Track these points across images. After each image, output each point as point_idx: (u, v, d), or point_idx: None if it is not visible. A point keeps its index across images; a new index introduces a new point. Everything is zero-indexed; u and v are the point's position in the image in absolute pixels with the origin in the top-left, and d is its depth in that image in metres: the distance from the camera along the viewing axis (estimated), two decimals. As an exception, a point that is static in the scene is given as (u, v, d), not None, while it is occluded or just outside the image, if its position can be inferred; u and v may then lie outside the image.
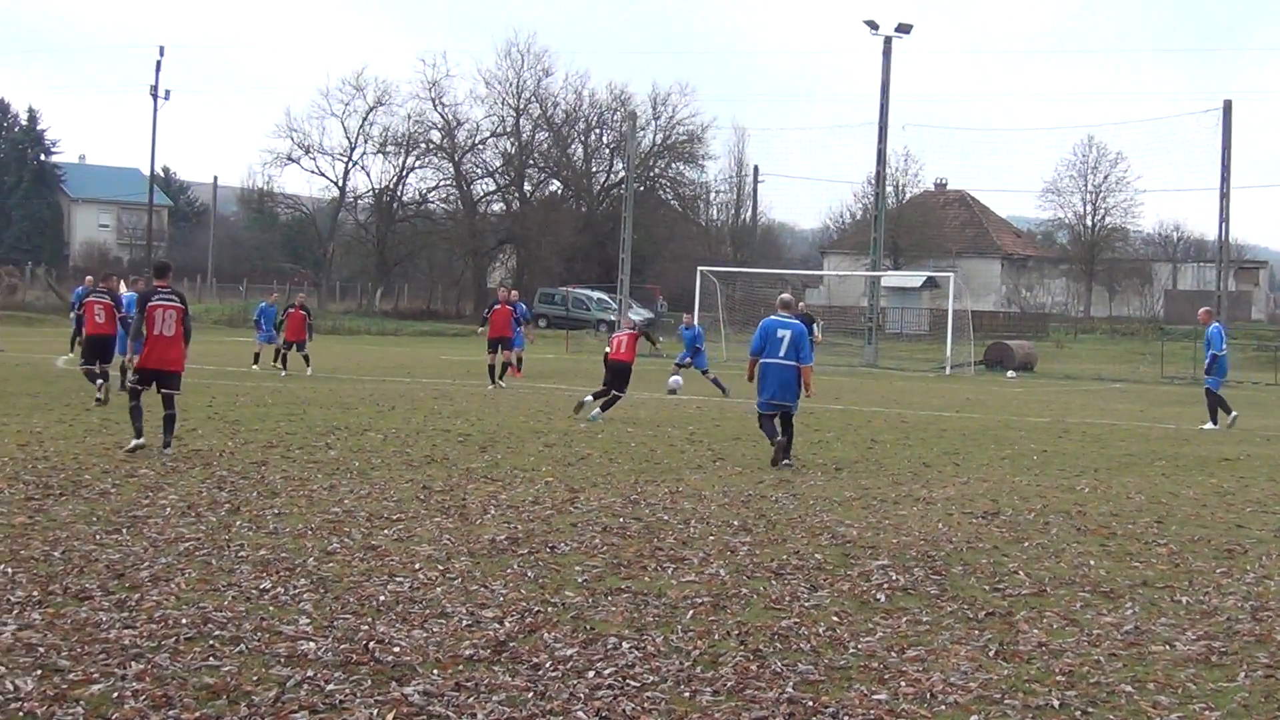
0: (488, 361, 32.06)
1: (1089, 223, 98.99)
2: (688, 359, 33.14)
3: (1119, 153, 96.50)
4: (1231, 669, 8.01)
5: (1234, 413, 26.62)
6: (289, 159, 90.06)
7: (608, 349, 24.84)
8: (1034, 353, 56.36)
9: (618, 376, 24.02)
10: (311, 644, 7.84)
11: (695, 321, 36.99)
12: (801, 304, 52.54)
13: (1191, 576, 10.73)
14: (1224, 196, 52.01)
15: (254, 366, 35.85)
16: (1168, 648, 8.46)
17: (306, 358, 34.95)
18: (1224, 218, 52.48)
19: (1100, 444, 22.28)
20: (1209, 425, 26.43)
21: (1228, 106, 51.73)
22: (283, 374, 32.82)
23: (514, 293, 35.82)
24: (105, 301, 24.45)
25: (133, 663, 7.32)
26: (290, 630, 8.14)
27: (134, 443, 16.37)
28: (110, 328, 24.18)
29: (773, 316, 18.29)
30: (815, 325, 48.39)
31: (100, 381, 23.43)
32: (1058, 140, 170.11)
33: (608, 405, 23.63)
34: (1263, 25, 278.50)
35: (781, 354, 17.78)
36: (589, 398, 23.96)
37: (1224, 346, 26.85)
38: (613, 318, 68.28)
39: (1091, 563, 11.17)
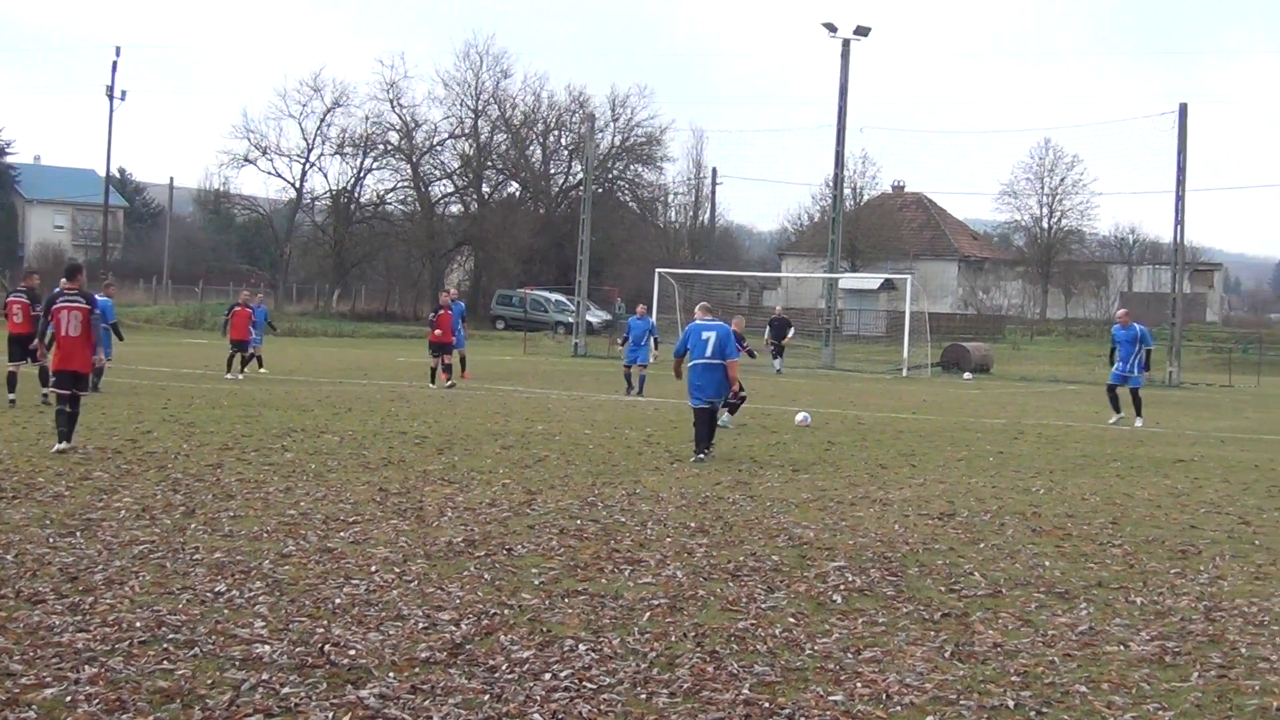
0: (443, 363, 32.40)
1: (1045, 225, 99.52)
2: (640, 360, 32.80)
3: (1075, 155, 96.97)
4: (1185, 669, 8.06)
5: (1120, 415, 27.76)
6: (246, 160, 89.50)
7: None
8: (990, 354, 56.57)
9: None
10: (267, 647, 7.81)
11: (650, 314, 36.89)
12: (778, 307, 52.79)
13: (1146, 577, 10.80)
14: (1179, 199, 52.23)
15: (246, 371, 35.62)
16: (1122, 648, 8.51)
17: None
18: (1179, 220, 52.70)
19: (1055, 445, 22.39)
20: (1140, 422, 27.38)
21: (1183, 109, 51.96)
22: (239, 377, 32.54)
23: (449, 293, 35.90)
24: (23, 301, 24.09)
25: (86, 666, 7.28)
26: (245, 633, 8.11)
27: (58, 445, 16.45)
28: (26, 327, 23.79)
29: (696, 321, 19.68)
30: (791, 329, 48.72)
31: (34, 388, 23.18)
32: (1014, 143, 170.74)
33: (733, 409, 23.21)
34: (1219, 30, 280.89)
35: (708, 354, 19.05)
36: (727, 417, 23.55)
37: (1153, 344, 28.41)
38: (570, 319, 68.25)
39: (1046, 564, 11.23)
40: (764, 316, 73.16)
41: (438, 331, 32.85)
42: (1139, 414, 27.77)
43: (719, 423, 22.35)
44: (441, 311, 33.02)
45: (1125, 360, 28.03)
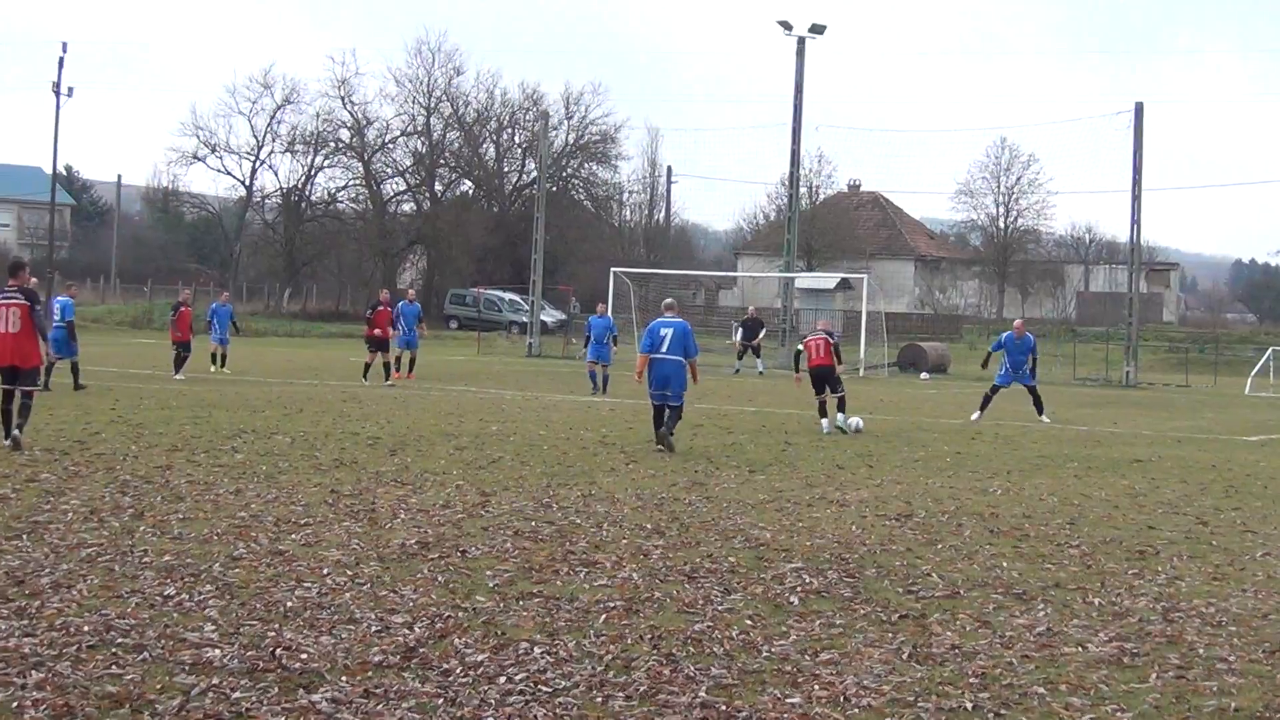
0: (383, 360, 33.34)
1: (1001, 224, 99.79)
2: (601, 358, 33.14)
3: (1031, 154, 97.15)
4: (1143, 670, 8.10)
5: (981, 414, 28.17)
6: (195, 157, 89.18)
7: (808, 354, 24.86)
8: (947, 354, 56.82)
9: (825, 380, 24.31)
10: (217, 651, 7.77)
11: (609, 313, 37.10)
12: (752, 308, 52.93)
13: (1104, 578, 10.85)
14: (1135, 199, 52.52)
15: (211, 369, 35.83)
16: (1080, 649, 8.54)
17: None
18: (1135, 220, 52.98)
19: (1013, 446, 22.50)
20: (1046, 419, 28.12)
21: (1139, 109, 52.26)
22: (178, 378, 32.37)
23: (384, 293, 36.27)
24: None
25: (33, 671, 7.22)
26: (195, 637, 8.06)
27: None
28: None
29: (659, 319, 20.77)
30: (763, 329, 48.84)
31: None
32: (970, 142, 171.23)
33: (842, 405, 24.07)
34: (1174, 30, 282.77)
35: (665, 349, 20.15)
36: (825, 423, 23.88)
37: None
38: (525, 319, 68.15)
39: (1004, 564, 11.28)
40: (721, 317, 73.16)
41: (376, 331, 33.34)
42: (1041, 411, 28.65)
43: (840, 424, 23.72)
44: (380, 308, 33.62)
45: (1017, 369, 28.57)
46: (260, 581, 9.63)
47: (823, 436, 22.90)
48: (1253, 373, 52.11)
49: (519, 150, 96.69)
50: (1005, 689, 7.59)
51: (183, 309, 34.25)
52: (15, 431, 16.72)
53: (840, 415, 23.91)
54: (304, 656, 7.73)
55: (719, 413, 26.98)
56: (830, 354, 24.53)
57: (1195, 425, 29.33)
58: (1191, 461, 20.81)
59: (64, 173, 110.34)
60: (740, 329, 49.34)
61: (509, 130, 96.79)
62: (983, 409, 28.37)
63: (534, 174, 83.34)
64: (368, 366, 33.45)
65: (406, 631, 8.39)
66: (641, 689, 7.35)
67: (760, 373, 46.99)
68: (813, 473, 17.51)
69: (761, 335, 48.78)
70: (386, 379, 32.89)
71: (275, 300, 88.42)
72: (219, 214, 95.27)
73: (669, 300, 21.96)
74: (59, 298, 29.40)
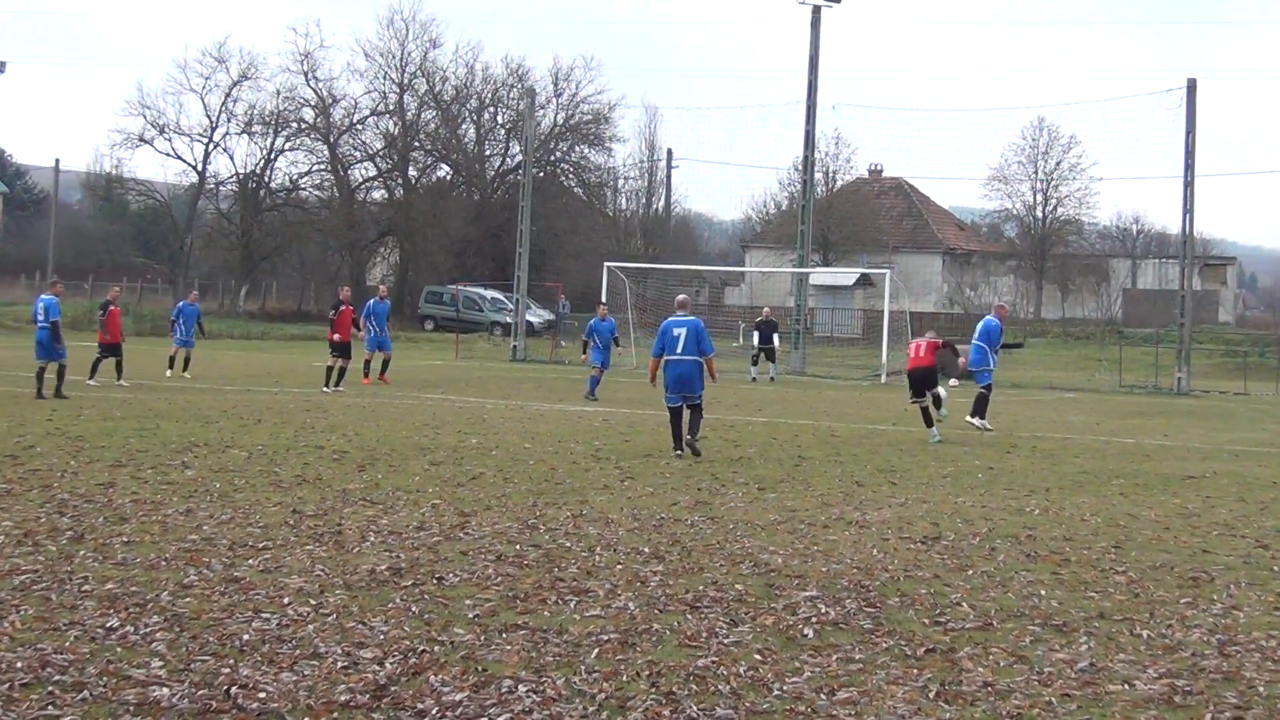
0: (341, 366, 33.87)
1: (1039, 214, 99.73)
2: (603, 364, 34.02)
3: (1072, 136, 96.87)
4: (1197, 710, 8.11)
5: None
6: (141, 140, 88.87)
7: (908, 354, 26.78)
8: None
9: (924, 382, 25.76)
10: (165, 690, 7.77)
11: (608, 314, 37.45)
12: (766, 309, 52.96)
13: (1153, 608, 10.86)
14: (1188, 185, 52.49)
15: (168, 373, 36.39)
16: (1126, 687, 8.55)
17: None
18: (1188, 209, 52.95)
19: (1052, 460, 22.50)
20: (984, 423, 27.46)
21: (1192, 85, 52.24)
22: (91, 383, 32.27)
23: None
24: None
25: (-41, 713, 7.22)
26: (141, 674, 8.06)
27: None
28: None
29: (671, 317, 21.78)
30: (777, 334, 48.86)
31: None
32: (1005, 123, 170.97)
33: (938, 403, 25.66)
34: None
35: (680, 350, 21.25)
36: (934, 432, 25.25)
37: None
38: (508, 319, 68.12)
39: (1042, 593, 11.28)
40: (727, 317, 73.14)
41: (337, 335, 33.62)
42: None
43: (939, 418, 25.32)
44: (342, 308, 33.88)
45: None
46: (213, 612, 9.62)
47: (841, 454, 22.89)
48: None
49: (502, 132, 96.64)
50: (1043, 731, 7.59)
51: (111, 309, 34.27)
52: None
53: (973, 418, 25.94)
54: (262, 695, 7.73)
55: (725, 424, 26.99)
56: (932, 353, 26.00)
57: (1255, 437, 29.35)
58: (1250, 478, 20.82)
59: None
60: (755, 332, 49.33)
61: (491, 109, 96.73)
62: (983, 414, 28.28)
63: (519, 158, 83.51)
64: (329, 372, 33.60)
65: (377, 668, 8.38)
66: (638, 731, 7.35)
67: (772, 379, 47.05)
68: (829, 490, 17.52)
69: (777, 340, 48.80)
70: (334, 385, 33.12)
71: (231, 298, 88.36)
72: (168, 202, 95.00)
73: (682, 297, 22.92)
74: (43, 296, 29.68)
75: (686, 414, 21.23)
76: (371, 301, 36.99)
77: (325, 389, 32.85)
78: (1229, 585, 11.91)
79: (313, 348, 59.29)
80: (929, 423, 25.31)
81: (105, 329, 33.87)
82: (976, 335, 28.01)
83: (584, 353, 36.08)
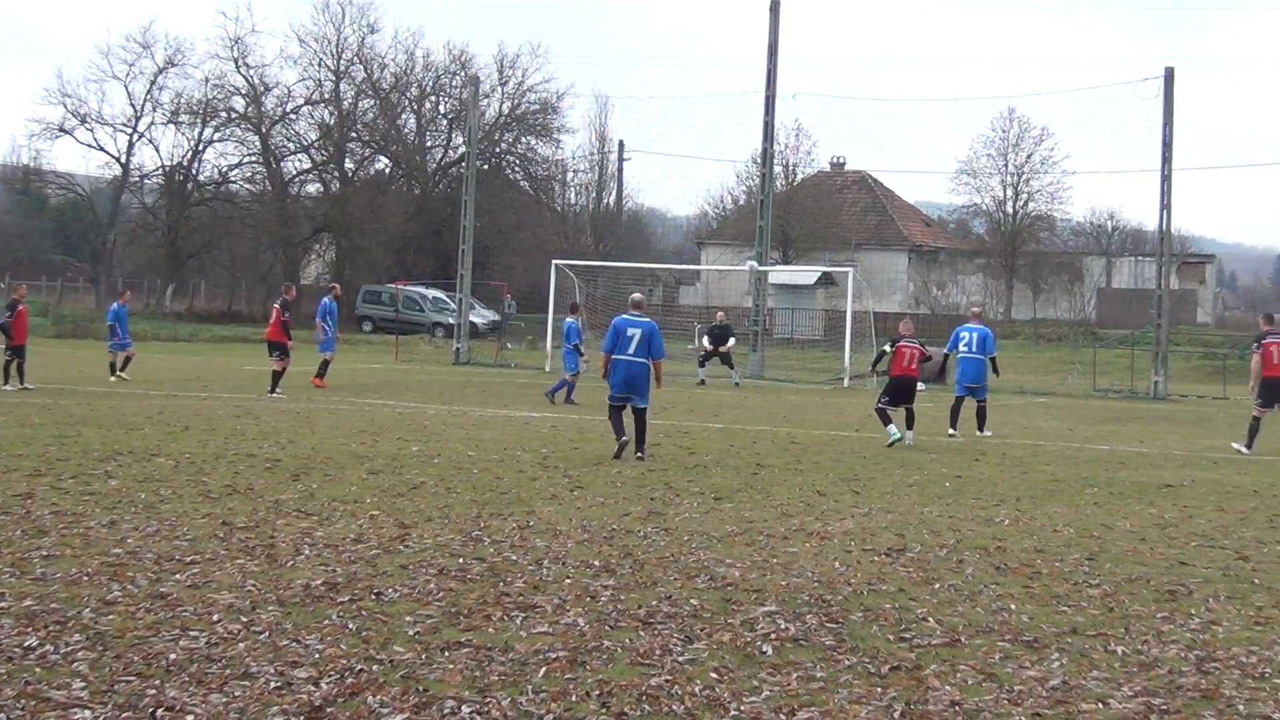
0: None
1: (1010, 210, 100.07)
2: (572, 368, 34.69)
3: (1044, 128, 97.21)
4: (1173, 729, 8.15)
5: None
6: (61, 130, 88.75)
7: (897, 360, 26.82)
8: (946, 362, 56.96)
9: (908, 393, 26.75)
10: (87, 712, 7.74)
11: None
12: (720, 314, 53.00)
13: (1128, 622, 10.91)
14: (1165, 180, 52.70)
15: (111, 378, 36.60)
16: (1100, 705, 8.59)
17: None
18: (1165, 204, 53.15)
19: (1022, 468, 22.59)
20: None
21: (1169, 75, 52.44)
22: (8, 389, 32.13)
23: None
24: None
25: None
26: (61, 696, 8.03)
27: None
28: None
29: (624, 315, 22.53)
30: (731, 338, 48.91)
31: None
32: (973, 113, 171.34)
33: (911, 420, 26.39)
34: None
35: (631, 351, 22.07)
36: (894, 429, 25.67)
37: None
38: (451, 320, 68.00)
39: (1012, 607, 11.33)
40: (682, 317, 73.10)
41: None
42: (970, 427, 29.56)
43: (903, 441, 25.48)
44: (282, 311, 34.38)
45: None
46: (139, 630, 9.59)
47: (802, 461, 22.95)
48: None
49: (444, 122, 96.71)
50: (1013, 752, 7.63)
51: (20, 308, 34.19)
52: None
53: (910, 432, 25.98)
54: (190, 718, 7.71)
55: (679, 430, 27.01)
56: (918, 364, 26.67)
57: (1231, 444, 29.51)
58: (1230, 486, 20.94)
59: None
60: (707, 335, 49.27)
61: (432, 98, 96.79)
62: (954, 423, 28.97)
63: (462, 150, 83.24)
64: (275, 375, 33.64)
65: (311, 688, 8.37)
66: (588, 754, 7.36)
67: (736, 384, 47.11)
68: (789, 500, 17.54)
69: (731, 343, 48.68)
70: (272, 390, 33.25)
71: (156, 298, 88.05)
72: (90, 196, 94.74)
73: (637, 296, 23.46)
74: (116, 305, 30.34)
75: (631, 416, 22.07)
76: (326, 300, 37.41)
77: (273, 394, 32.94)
78: (1208, 599, 11.97)
79: (244, 350, 59.21)
80: (886, 421, 25.79)
81: (11, 331, 33.59)
82: (973, 347, 28.54)
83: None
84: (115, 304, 39.39)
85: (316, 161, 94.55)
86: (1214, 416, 40.66)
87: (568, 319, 36.29)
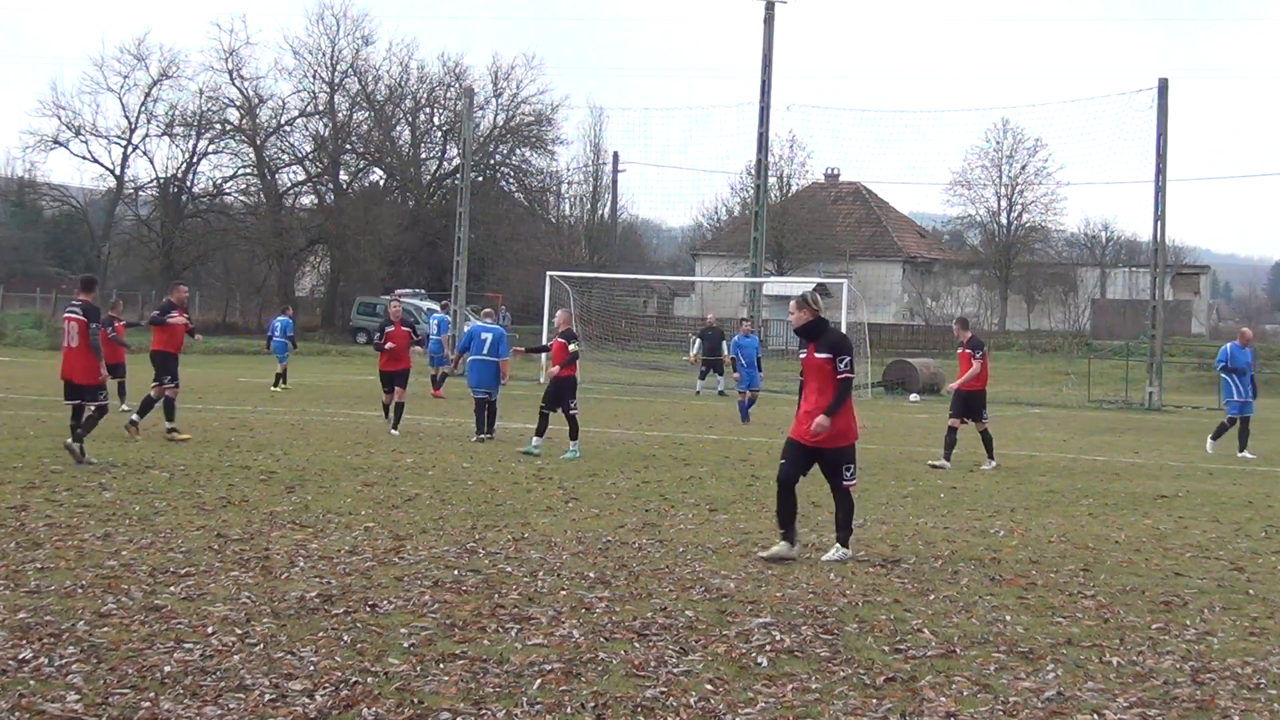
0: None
1: (1004, 221, 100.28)
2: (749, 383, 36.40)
3: (1038, 139, 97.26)
4: (1168, 740, 8.15)
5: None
6: (56, 142, 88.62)
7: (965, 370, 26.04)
8: (941, 372, 56.84)
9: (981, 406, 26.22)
10: (81, 725, 7.72)
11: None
12: (710, 315, 53.01)
13: (1123, 633, 10.91)
14: (1159, 191, 52.73)
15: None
16: (1095, 717, 8.59)
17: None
18: (1159, 215, 53.19)
19: (1017, 479, 22.58)
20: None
21: (1163, 85, 52.49)
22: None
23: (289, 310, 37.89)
24: None
25: None
26: (56, 709, 8.01)
27: None
28: None
29: (477, 323, 28.34)
30: (725, 343, 48.90)
31: None
32: (968, 125, 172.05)
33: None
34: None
35: (485, 352, 26.93)
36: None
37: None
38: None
39: (1007, 618, 11.32)
40: (677, 329, 73.08)
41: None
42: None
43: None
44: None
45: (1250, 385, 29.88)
46: (133, 642, 9.57)
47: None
48: (1296, 393, 52.49)
49: (439, 133, 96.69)
50: (1009, 764, 7.63)
51: (117, 324, 34.27)
52: (73, 441, 20.17)
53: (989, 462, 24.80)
54: (185, 730, 7.69)
55: (674, 441, 27.02)
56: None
57: (1229, 455, 29.50)
58: (1225, 497, 20.94)
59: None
60: (699, 340, 49.06)
61: (427, 110, 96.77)
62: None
63: (456, 161, 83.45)
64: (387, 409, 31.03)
65: (306, 700, 8.36)
66: (583, 766, 7.35)
67: (720, 392, 47.03)
68: (784, 512, 17.52)
69: (725, 351, 48.52)
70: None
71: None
72: (84, 208, 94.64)
73: (488, 310, 31.33)
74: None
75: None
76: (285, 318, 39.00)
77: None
78: (1203, 610, 11.96)
79: (239, 362, 59.20)
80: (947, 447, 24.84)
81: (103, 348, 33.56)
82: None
83: (734, 370, 37.69)
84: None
85: (311, 173, 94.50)
86: (1209, 427, 40.51)
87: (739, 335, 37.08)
